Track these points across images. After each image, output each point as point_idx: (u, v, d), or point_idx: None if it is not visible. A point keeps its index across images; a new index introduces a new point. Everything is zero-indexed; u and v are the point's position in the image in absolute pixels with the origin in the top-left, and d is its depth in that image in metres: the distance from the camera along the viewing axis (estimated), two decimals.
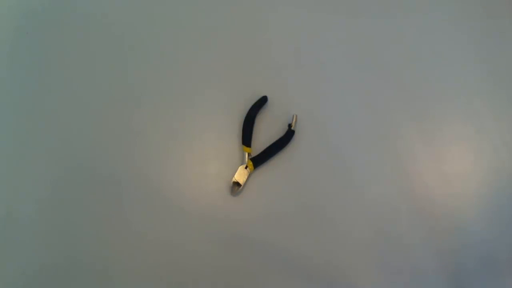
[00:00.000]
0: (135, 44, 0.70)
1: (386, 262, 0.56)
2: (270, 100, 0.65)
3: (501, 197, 0.60)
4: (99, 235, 0.58)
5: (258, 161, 0.61)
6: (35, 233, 0.58)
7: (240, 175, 0.60)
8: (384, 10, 0.72)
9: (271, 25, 0.71)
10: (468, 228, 0.58)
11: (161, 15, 0.72)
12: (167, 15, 0.72)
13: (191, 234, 0.58)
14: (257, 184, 0.60)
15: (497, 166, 0.62)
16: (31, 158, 0.62)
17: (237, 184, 0.60)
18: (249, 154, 0.61)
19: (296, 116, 0.63)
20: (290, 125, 0.63)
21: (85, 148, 0.63)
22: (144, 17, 0.72)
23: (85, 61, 0.69)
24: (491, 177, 0.61)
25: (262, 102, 0.64)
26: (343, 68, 0.68)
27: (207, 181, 0.61)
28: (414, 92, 0.66)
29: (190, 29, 0.71)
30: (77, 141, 0.63)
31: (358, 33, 0.70)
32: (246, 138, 0.62)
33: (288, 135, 0.62)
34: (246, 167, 0.60)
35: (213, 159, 0.62)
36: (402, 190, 0.60)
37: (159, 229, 0.58)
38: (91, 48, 0.70)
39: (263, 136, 0.63)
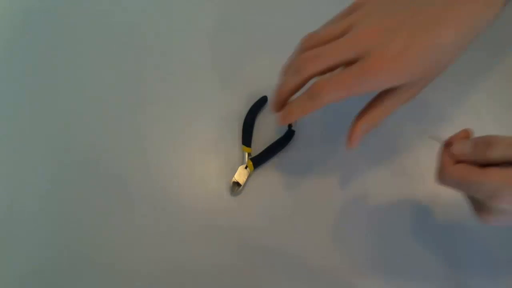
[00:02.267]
0: (135, 43, 0.71)
1: (386, 262, 0.56)
2: (270, 100, 0.65)
3: None
4: (99, 235, 0.59)
5: (258, 161, 0.61)
6: (36, 229, 0.59)
7: (240, 175, 0.60)
8: None
9: (270, 24, 0.71)
10: (468, 228, 0.58)
11: (161, 15, 0.73)
12: (167, 15, 0.73)
13: (191, 233, 0.58)
14: (257, 184, 0.61)
15: None
16: (33, 155, 0.63)
17: (237, 184, 0.60)
18: (249, 154, 0.61)
19: None
20: (290, 125, 0.63)
21: (87, 146, 0.64)
22: (145, 18, 0.73)
23: (86, 60, 0.69)
24: None
25: (262, 102, 0.64)
26: None
27: (207, 181, 0.61)
28: None
29: (189, 29, 0.71)
30: (79, 139, 0.64)
31: None
32: (246, 138, 0.62)
33: (288, 135, 0.62)
34: (246, 167, 0.61)
35: (213, 159, 0.62)
36: (402, 190, 0.60)
37: (159, 229, 0.59)
38: (92, 47, 0.70)
39: (263, 136, 0.63)
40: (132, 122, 0.65)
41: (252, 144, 0.63)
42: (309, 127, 0.63)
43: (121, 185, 0.61)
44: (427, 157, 0.62)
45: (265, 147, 0.62)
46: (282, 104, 0.47)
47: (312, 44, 0.44)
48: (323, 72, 0.42)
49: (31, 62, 0.70)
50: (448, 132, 0.62)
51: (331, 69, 0.42)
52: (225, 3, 0.73)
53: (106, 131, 0.64)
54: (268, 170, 0.61)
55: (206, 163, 0.62)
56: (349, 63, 0.40)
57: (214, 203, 0.60)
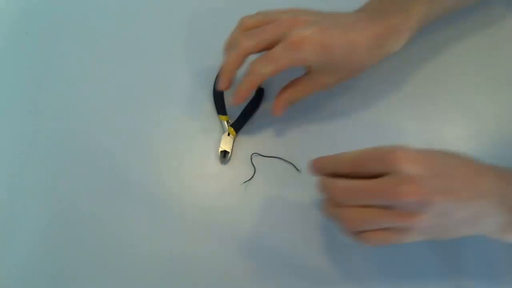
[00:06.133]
0: (134, 43, 0.67)
1: (386, 262, 0.57)
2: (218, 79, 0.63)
3: None
4: (100, 237, 0.58)
5: (238, 125, 0.62)
6: (34, 224, 0.57)
7: (226, 143, 0.62)
8: None
9: None
10: None
11: (161, 11, 0.69)
12: (167, 12, 0.68)
13: (191, 232, 0.58)
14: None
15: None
16: (31, 159, 0.61)
17: (224, 152, 0.61)
18: (228, 122, 0.62)
19: None
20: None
21: (86, 148, 0.61)
22: (146, 15, 0.68)
23: (85, 62, 0.66)
24: None
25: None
26: None
27: (207, 181, 0.61)
28: (414, 91, 0.64)
29: (188, 28, 0.68)
30: (75, 135, 0.62)
31: None
32: (220, 107, 0.63)
33: (259, 94, 0.64)
34: (228, 134, 0.62)
35: (212, 159, 0.62)
36: None
37: (159, 229, 0.58)
38: (91, 48, 0.66)
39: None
40: (131, 123, 0.62)
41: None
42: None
43: (120, 187, 0.59)
44: None
45: (241, 111, 0.63)
46: (229, 80, 0.54)
47: (247, 26, 0.53)
48: (254, 49, 0.51)
49: (30, 66, 0.67)
50: (448, 132, 0.58)
51: (259, 47, 0.51)
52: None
53: (104, 132, 0.62)
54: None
55: (205, 164, 0.61)
56: (273, 45, 0.50)
57: (212, 203, 0.60)
